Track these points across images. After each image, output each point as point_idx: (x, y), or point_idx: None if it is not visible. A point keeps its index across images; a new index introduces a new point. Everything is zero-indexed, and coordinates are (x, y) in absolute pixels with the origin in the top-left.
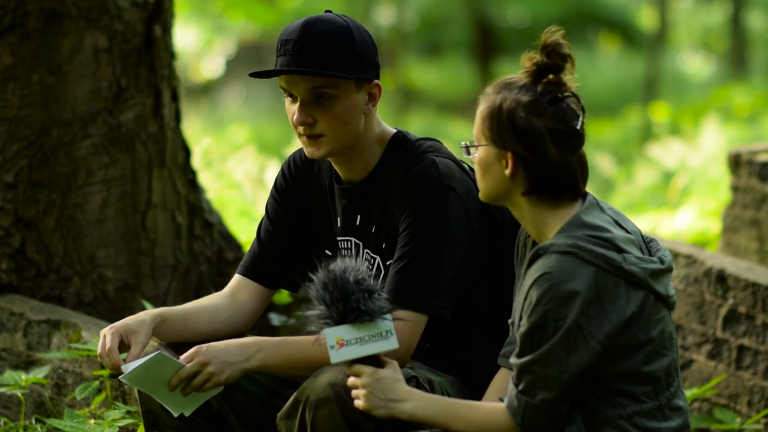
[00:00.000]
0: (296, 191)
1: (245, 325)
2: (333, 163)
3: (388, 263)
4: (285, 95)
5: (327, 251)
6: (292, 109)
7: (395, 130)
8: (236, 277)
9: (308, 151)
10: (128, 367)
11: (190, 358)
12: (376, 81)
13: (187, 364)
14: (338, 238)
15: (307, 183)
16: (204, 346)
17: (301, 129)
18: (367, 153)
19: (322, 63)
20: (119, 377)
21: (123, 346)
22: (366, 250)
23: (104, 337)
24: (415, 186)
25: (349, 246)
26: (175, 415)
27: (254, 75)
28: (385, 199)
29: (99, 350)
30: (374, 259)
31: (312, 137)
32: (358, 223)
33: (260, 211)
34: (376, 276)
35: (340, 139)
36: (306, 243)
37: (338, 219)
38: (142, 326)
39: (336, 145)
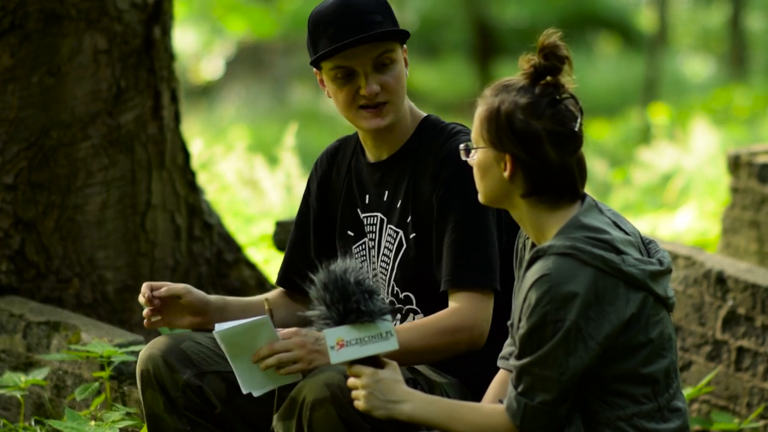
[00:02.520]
0: (322, 184)
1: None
2: (369, 139)
3: (411, 236)
4: (338, 76)
5: (350, 232)
6: (348, 88)
7: (425, 114)
8: (277, 289)
9: (373, 123)
10: (225, 325)
11: (289, 336)
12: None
13: (284, 340)
14: (363, 215)
15: (329, 176)
16: (303, 329)
17: (364, 101)
18: (402, 125)
19: (381, 28)
20: (213, 332)
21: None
22: (389, 225)
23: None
24: (453, 166)
25: (375, 221)
26: (244, 392)
27: (327, 54)
28: (415, 173)
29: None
30: (397, 233)
31: (377, 107)
32: (385, 198)
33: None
34: (397, 250)
35: (400, 104)
36: (329, 245)
37: (366, 196)
38: (199, 293)
39: (397, 111)
